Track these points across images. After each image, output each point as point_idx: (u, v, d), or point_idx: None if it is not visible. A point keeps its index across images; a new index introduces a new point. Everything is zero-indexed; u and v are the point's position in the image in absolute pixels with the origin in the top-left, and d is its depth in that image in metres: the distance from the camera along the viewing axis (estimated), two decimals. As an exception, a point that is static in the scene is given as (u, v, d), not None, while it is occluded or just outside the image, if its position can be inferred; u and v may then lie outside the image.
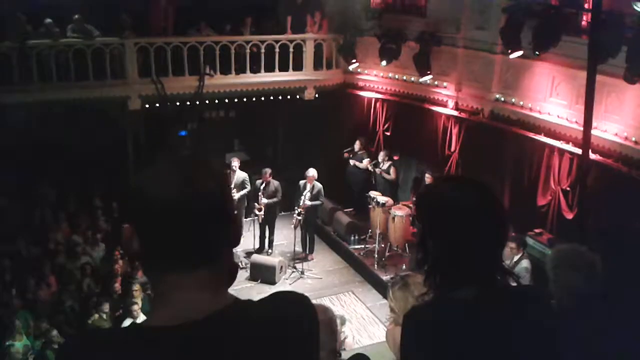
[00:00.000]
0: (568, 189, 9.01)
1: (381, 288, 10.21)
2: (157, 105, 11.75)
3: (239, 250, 11.03)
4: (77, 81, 11.08)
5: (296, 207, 11.34)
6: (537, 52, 8.80)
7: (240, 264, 10.51)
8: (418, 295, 2.71)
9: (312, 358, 1.37)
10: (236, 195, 11.09)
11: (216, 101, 12.61)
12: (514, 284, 1.84)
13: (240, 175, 11.50)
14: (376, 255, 11.13)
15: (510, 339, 1.62)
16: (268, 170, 11.53)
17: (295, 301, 1.40)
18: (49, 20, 11.09)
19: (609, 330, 2.54)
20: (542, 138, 9.41)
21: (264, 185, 11.46)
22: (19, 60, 10.53)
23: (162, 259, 1.26)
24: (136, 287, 8.49)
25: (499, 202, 1.76)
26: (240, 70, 12.36)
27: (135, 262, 9.09)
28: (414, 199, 11.00)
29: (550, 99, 9.38)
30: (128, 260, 9.66)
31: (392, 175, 11.99)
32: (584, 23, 9.00)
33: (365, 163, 12.44)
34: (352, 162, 12.58)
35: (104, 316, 8.22)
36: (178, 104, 11.99)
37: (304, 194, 11.24)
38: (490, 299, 1.66)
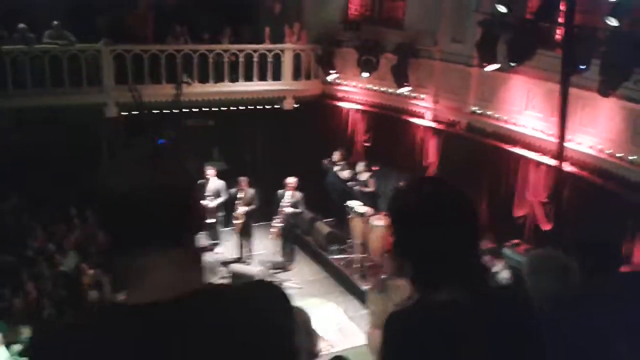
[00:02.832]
0: (545, 200, 9.11)
1: (362, 298, 10.12)
2: (135, 113, 11.60)
3: (218, 257, 10.87)
4: (53, 87, 10.93)
5: (275, 216, 11.28)
6: (512, 64, 8.91)
7: (219, 273, 10.41)
8: (401, 301, 2.71)
9: (288, 349, 1.34)
10: (211, 203, 11.00)
11: (194, 110, 12.51)
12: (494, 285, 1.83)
13: (216, 183, 11.36)
14: (356, 265, 11.11)
15: (490, 339, 1.61)
16: (244, 179, 11.49)
17: (269, 288, 1.39)
18: (22, 25, 10.93)
19: (581, 334, 2.55)
20: (518, 150, 9.51)
21: (241, 194, 11.41)
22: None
23: (125, 245, 1.27)
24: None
25: (466, 197, 1.75)
26: (219, 78, 12.31)
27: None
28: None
29: (526, 111, 9.50)
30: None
31: (372, 187, 11.97)
32: (557, 37, 9.16)
33: (347, 174, 12.42)
34: (335, 168, 12.47)
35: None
36: (156, 112, 11.86)
37: (283, 201, 11.20)
38: (470, 300, 1.64)
